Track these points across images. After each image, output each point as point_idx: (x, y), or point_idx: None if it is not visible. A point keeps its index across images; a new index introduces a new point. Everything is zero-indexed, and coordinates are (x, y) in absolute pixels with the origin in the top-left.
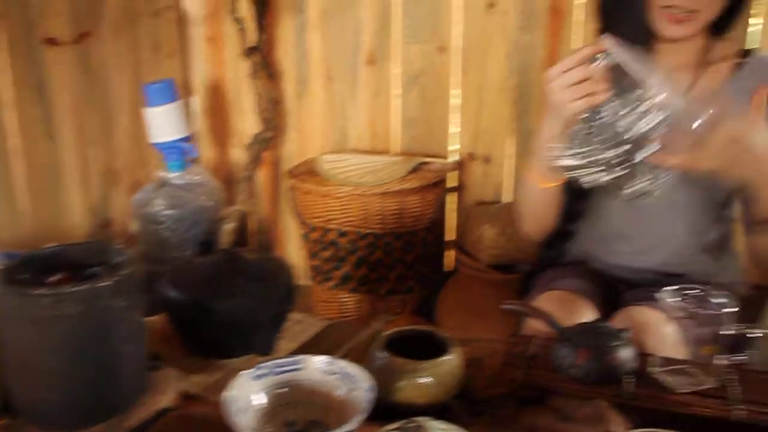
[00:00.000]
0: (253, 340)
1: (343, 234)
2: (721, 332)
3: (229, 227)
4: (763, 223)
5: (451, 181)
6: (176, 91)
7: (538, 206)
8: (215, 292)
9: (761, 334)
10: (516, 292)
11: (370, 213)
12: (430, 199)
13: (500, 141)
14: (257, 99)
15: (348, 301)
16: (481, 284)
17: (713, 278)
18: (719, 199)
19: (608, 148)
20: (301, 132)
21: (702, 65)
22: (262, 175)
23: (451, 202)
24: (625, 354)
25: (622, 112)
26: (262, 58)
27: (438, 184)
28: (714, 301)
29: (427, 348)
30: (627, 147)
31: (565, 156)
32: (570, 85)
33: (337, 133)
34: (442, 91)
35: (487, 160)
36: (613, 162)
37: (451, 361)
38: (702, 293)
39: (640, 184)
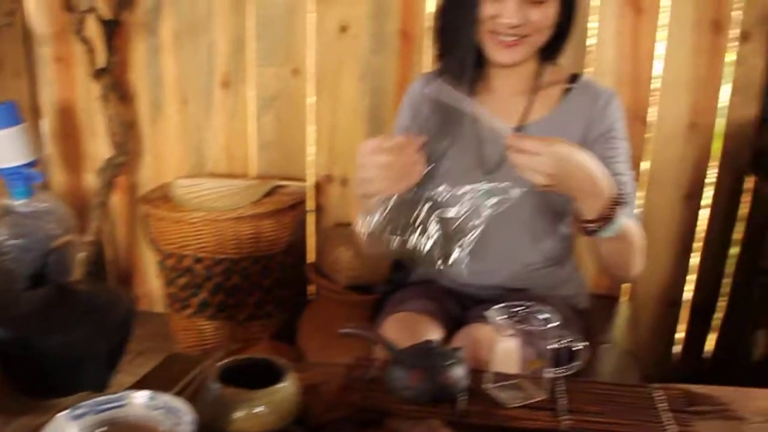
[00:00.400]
0: (85, 376)
1: (198, 260)
2: (546, 347)
3: (80, 257)
4: (588, 231)
5: (313, 203)
6: (19, 113)
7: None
8: (41, 327)
9: (583, 347)
10: (372, 314)
11: (225, 238)
12: (286, 222)
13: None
14: (108, 122)
15: (207, 328)
16: (340, 306)
17: (555, 291)
18: (558, 216)
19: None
20: (156, 156)
21: (535, 90)
22: (117, 201)
23: (313, 224)
24: (458, 372)
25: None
26: (113, 80)
27: (295, 207)
28: (539, 316)
29: (265, 376)
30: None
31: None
32: (378, 167)
33: (194, 157)
34: (298, 113)
35: (344, 181)
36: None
37: (286, 388)
38: (528, 310)
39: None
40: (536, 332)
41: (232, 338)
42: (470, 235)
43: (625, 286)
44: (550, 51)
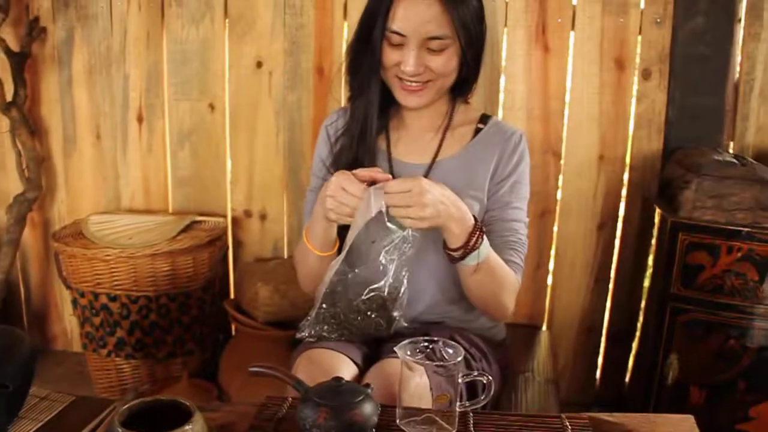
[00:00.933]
0: None
1: (113, 298)
2: (454, 381)
3: None
4: (454, 259)
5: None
6: None
7: (313, 269)
8: None
9: (490, 379)
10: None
11: (140, 275)
12: (204, 258)
13: (275, 197)
14: (17, 157)
15: (125, 368)
16: (260, 342)
17: (471, 323)
18: None
19: None
20: (70, 192)
21: (448, 128)
22: (30, 238)
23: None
24: (367, 409)
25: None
26: (22, 114)
27: (212, 243)
28: (445, 351)
29: (174, 417)
30: None
31: None
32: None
33: (110, 193)
34: (215, 148)
35: (263, 216)
36: None
37: (192, 430)
38: (433, 345)
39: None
40: (443, 367)
41: (151, 377)
42: (401, 296)
43: (545, 314)
44: (459, 91)
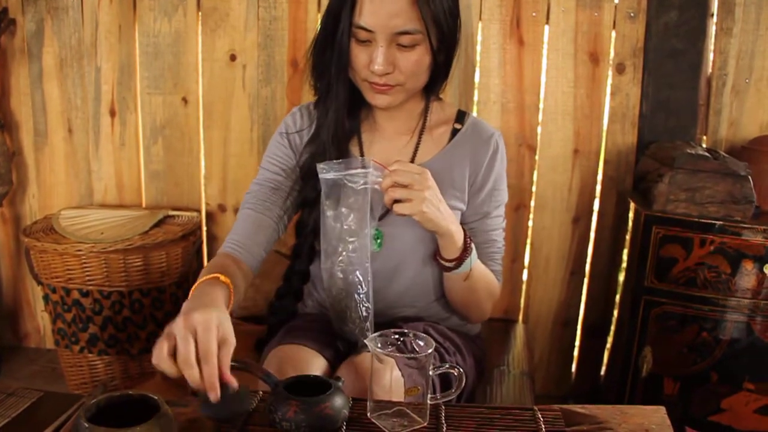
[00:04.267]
0: None
1: (85, 294)
2: (425, 373)
3: None
4: (447, 269)
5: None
6: None
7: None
8: None
9: (461, 372)
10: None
11: (112, 270)
12: (177, 253)
13: None
14: None
15: (98, 364)
16: (235, 337)
17: (447, 320)
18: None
19: None
20: (42, 186)
21: (424, 128)
22: (1, 235)
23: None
24: (337, 403)
25: None
26: None
27: (186, 237)
28: (416, 344)
29: (143, 412)
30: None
31: None
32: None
33: (82, 187)
34: (189, 142)
35: (238, 210)
36: None
37: (159, 424)
38: (404, 338)
39: None
40: (414, 359)
41: (124, 373)
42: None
43: (521, 307)
44: (431, 89)
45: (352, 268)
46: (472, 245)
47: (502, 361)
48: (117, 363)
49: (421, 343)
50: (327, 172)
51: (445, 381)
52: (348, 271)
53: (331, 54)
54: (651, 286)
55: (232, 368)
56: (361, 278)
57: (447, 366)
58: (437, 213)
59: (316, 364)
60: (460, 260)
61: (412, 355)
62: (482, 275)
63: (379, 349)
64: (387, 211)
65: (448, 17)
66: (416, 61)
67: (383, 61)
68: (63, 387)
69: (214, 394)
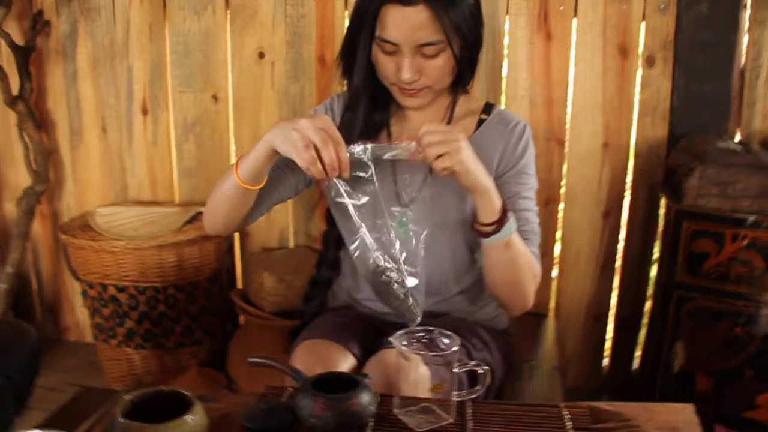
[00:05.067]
0: None
1: (121, 289)
2: (450, 370)
3: (0, 290)
4: (484, 234)
5: None
6: None
7: (230, 199)
8: None
9: (486, 370)
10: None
11: (147, 266)
12: (210, 249)
13: None
14: (25, 150)
15: (135, 357)
16: (266, 332)
17: (474, 314)
18: (476, 245)
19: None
20: (78, 184)
21: (449, 121)
22: (40, 230)
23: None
24: (364, 399)
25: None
26: (28, 107)
27: None
28: (441, 342)
29: (176, 408)
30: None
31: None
32: (310, 143)
33: (117, 184)
34: (219, 139)
35: None
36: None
37: (193, 420)
38: (430, 336)
39: None
40: (439, 357)
41: (161, 366)
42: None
43: (551, 302)
44: (458, 84)
45: (375, 250)
46: (511, 215)
47: (532, 356)
48: (153, 357)
49: (447, 341)
50: (362, 154)
51: (473, 377)
52: (368, 255)
53: (356, 64)
54: (682, 281)
55: (259, 365)
56: (387, 259)
57: (473, 363)
58: (476, 164)
59: (343, 360)
60: (500, 223)
61: (437, 352)
62: (523, 248)
63: (404, 346)
64: (411, 200)
65: (469, 23)
66: (441, 66)
67: (410, 70)
68: (102, 379)
69: (347, 173)
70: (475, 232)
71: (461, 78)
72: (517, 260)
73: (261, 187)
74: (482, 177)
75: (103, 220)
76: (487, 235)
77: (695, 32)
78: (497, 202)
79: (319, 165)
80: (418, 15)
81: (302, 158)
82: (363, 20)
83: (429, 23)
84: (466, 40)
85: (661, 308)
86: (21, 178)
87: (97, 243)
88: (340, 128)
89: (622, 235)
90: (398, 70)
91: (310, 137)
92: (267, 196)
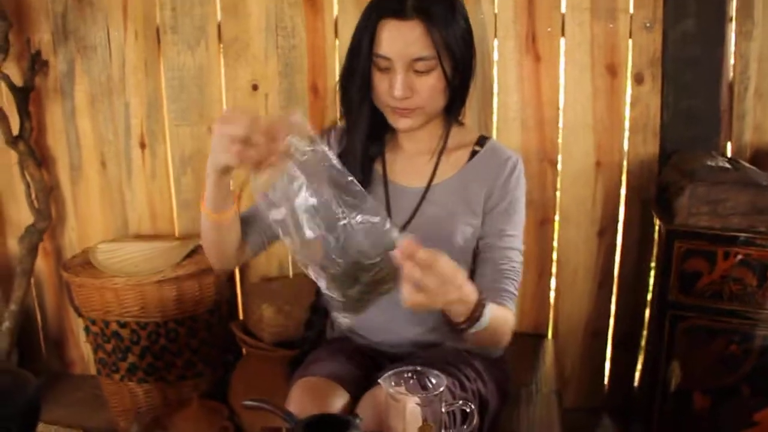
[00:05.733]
0: None
1: (123, 325)
2: (438, 409)
3: (5, 327)
4: (458, 330)
5: None
6: None
7: (210, 234)
8: None
9: (473, 408)
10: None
11: (148, 302)
12: (209, 281)
13: None
14: (27, 188)
15: (138, 391)
16: (267, 363)
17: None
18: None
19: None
20: (79, 219)
21: (443, 151)
22: (43, 267)
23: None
24: None
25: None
26: (28, 146)
27: None
28: (429, 381)
29: None
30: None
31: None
32: (230, 137)
33: (117, 219)
34: None
35: None
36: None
37: None
38: (418, 375)
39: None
40: (426, 397)
41: (163, 400)
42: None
43: (549, 322)
44: (451, 112)
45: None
46: (486, 308)
47: (530, 380)
48: (156, 390)
49: (434, 381)
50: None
51: (466, 412)
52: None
53: (356, 82)
54: (676, 300)
55: (254, 408)
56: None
57: (460, 403)
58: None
59: (337, 398)
60: (470, 321)
61: (423, 394)
62: (497, 324)
63: (392, 386)
64: (403, 227)
65: (460, 45)
66: (432, 85)
67: (402, 86)
68: (107, 413)
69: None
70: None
71: (452, 104)
72: (490, 337)
73: (244, 215)
74: (452, 306)
75: (104, 257)
76: (461, 330)
77: (682, 48)
78: (466, 307)
79: (251, 154)
80: (413, 30)
81: (228, 158)
82: (362, 36)
83: (422, 38)
84: (456, 62)
85: (657, 327)
86: (23, 215)
87: (99, 280)
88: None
89: (618, 252)
90: (391, 87)
91: (227, 133)
92: (256, 226)
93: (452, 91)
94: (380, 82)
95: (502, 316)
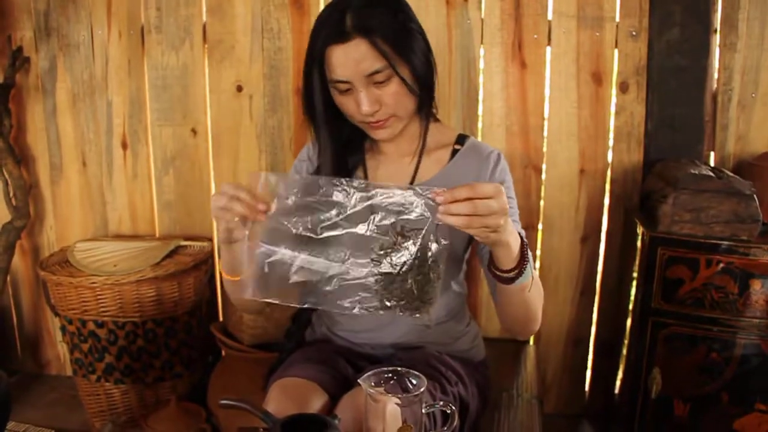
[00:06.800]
0: None
1: (100, 325)
2: (418, 411)
3: None
4: (507, 280)
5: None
6: None
7: (230, 289)
8: None
9: (453, 410)
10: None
11: (126, 301)
12: (189, 283)
13: None
14: (5, 186)
15: (114, 392)
16: (247, 364)
17: (450, 346)
18: (450, 274)
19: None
20: (59, 219)
21: (423, 150)
22: (21, 266)
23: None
24: None
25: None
26: (8, 143)
27: (197, 267)
28: (409, 382)
29: None
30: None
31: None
32: (221, 206)
33: (97, 219)
34: (199, 172)
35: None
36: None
37: None
38: (398, 376)
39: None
40: (406, 398)
41: (140, 401)
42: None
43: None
44: (422, 110)
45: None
46: (529, 252)
47: (511, 385)
48: (133, 391)
49: (414, 382)
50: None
51: (446, 414)
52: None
53: (315, 110)
54: (658, 307)
55: (231, 407)
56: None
57: (440, 404)
58: (510, 230)
59: (316, 399)
60: (520, 268)
61: (404, 394)
62: (538, 287)
63: (372, 387)
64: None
65: (409, 44)
66: (395, 92)
67: (368, 102)
68: (82, 415)
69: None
70: (494, 278)
71: (423, 104)
72: (534, 299)
73: None
74: (511, 237)
75: (81, 255)
76: (508, 281)
77: (667, 57)
78: (515, 250)
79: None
80: (358, 48)
81: (221, 222)
82: (312, 68)
83: (369, 53)
84: (411, 64)
85: (639, 334)
86: (1, 213)
87: (76, 279)
88: (316, 173)
89: (601, 260)
90: (358, 105)
91: (217, 205)
92: None
93: (418, 90)
94: (346, 103)
95: (539, 282)
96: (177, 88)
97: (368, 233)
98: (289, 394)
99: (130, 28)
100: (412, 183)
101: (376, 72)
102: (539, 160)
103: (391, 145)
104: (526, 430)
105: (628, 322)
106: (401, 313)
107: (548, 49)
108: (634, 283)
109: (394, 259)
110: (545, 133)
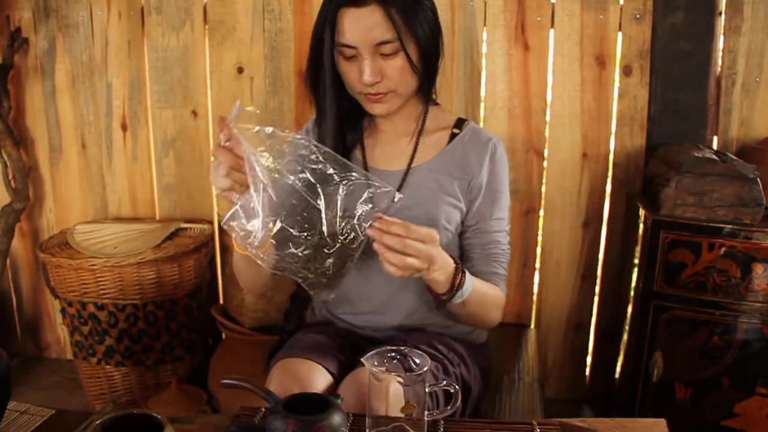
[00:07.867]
0: None
1: (100, 307)
2: (422, 390)
3: None
4: (441, 301)
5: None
6: None
7: (242, 269)
8: None
9: (457, 389)
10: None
11: (126, 284)
12: (189, 265)
13: None
14: (4, 168)
15: (115, 375)
16: (247, 347)
17: (451, 328)
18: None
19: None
20: (58, 201)
21: (422, 132)
22: (20, 248)
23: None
24: (336, 421)
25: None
26: (6, 125)
27: (198, 250)
28: (413, 361)
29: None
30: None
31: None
32: (217, 168)
33: (97, 201)
34: (199, 155)
35: None
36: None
37: None
38: (402, 355)
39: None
40: (410, 377)
41: (141, 384)
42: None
43: (532, 312)
44: (424, 92)
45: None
46: (465, 276)
47: (512, 368)
48: (133, 374)
49: (418, 361)
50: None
51: (449, 394)
52: None
53: (322, 74)
54: (660, 291)
55: (233, 386)
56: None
57: (444, 383)
58: (439, 269)
59: (319, 379)
60: (451, 292)
61: (407, 373)
62: (484, 291)
63: (375, 366)
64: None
65: (421, 22)
66: (401, 66)
67: (370, 72)
68: (83, 397)
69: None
70: (429, 293)
71: (424, 85)
72: (477, 309)
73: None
74: (432, 274)
75: (81, 237)
76: (442, 302)
77: (671, 41)
78: (445, 284)
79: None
80: (372, 15)
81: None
82: (323, 28)
83: (382, 22)
84: (419, 41)
85: (640, 318)
86: (0, 196)
87: (76, 261)
88: None
89: (602, 244)
90: (360, 74)
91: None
92: None
93: (421, 71)
94: (349, 70)
95: (490, 292)
96: (177, 70)
97: (339, 196)
98: (292, 375)
99: (130, 8)
100: (409, 164)
101: (385, 42)
102: (541, 144)
103: (389, 125)
104: (528, 413)
105: (630, 306)
106: (304, 285)
107: (551, 31)
108: (636, 267)
109: (348, 234)
110: (548, 117)
